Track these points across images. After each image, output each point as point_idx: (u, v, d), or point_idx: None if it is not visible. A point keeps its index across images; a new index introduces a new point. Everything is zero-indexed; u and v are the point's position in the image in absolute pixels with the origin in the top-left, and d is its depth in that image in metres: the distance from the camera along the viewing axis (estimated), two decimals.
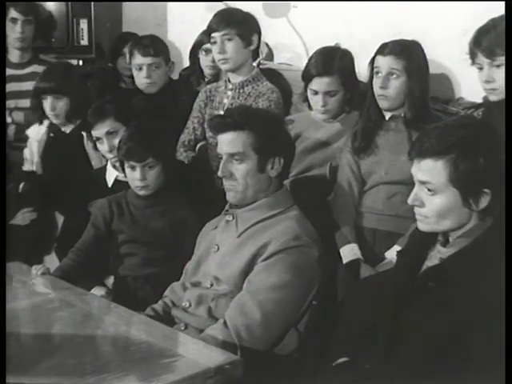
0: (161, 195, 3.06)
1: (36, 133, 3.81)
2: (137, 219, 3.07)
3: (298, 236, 2.53)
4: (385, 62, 2.91)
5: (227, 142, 2.61)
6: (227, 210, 2.71)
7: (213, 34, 3.41)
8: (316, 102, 3.18)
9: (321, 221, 2.81)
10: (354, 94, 3.20)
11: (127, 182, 3.09)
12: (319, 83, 3.14)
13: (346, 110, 3.23)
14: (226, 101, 3.50)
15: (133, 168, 3.00)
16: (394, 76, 2.90)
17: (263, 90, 3.43)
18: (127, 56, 3.97)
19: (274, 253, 2.50)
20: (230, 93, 3.50)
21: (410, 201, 2.16)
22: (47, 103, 3.64)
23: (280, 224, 2.58)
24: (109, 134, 3.27)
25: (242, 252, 2.57)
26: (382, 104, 2.95)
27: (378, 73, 2.93)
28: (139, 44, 3.84)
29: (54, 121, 3.69)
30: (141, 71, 3.81)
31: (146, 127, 3.10)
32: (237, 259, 2.57)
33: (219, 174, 2.63)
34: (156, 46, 3.82)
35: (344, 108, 3.22)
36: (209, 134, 3.52)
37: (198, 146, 3.61)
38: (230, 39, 3.38)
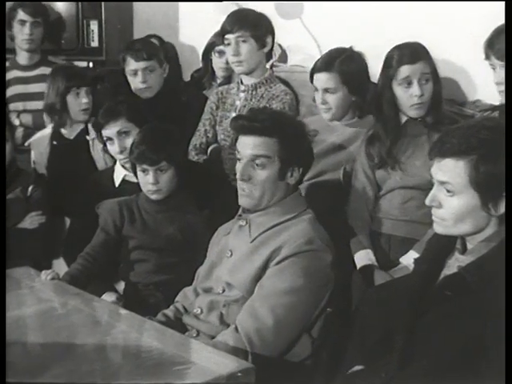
0: (172, 200, 3.04)
1: (38, 144, 3.79)
2: (148, 225, 3.04)
3: (311, 240, 2.51)
4: (415, 69, 2.86)
5: (252, 146, 2.55)
6: (240, 215, 2.68)
7: (226, 36, 3.38)
8: (317, 99, 3.16)
9: (335, 226, 2.78)
10: (362, 97, 3.16)
11: (135, 183, 3.08)
12: (318, 79, 3.13)
13: (357, 114, 3.19)
14: (238, 103, 3.48)
15: (145, 172, 2.98)
16: (425, 81, 2.87)
17: (277, 91, 3.41)
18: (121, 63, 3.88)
19: (286, 256, 2.48)
20: (242, 94, 3.48)
21: (427, 201, 2.12)
22: (81, 96, 3.62)
23: (293, 228, 2.56)
24: (120, 133, 3.24)
25: (254, 257, 2.55)
26: (419, 113, 2.89)
27: (410, 83, 2.86)
28: (131, 49, 3.76)
29: (80, 118, 3.66)
30: (136, 76, 3.74)
31: (159, 130, 3.08)
32: (249, 264, 2.54)
33: (238, 176, 2.58)
34: (148, 50, 3.76)
35: (354, 111, 3.18)
36: (221, 136, 3.51)
37: (210, 148, 3.59)
38: (244, 41, 3.35)
